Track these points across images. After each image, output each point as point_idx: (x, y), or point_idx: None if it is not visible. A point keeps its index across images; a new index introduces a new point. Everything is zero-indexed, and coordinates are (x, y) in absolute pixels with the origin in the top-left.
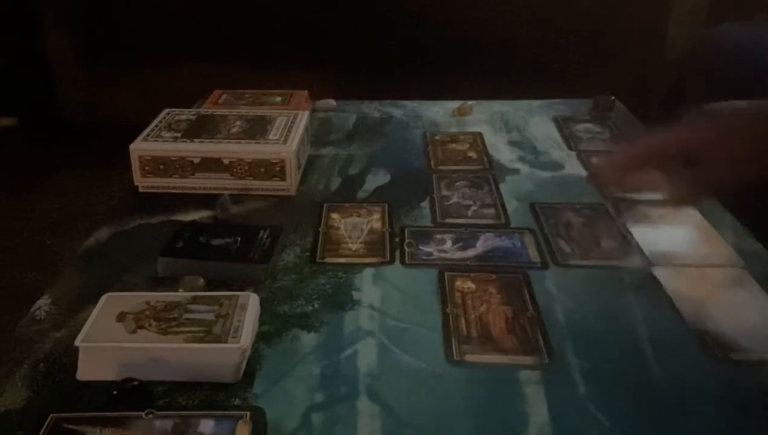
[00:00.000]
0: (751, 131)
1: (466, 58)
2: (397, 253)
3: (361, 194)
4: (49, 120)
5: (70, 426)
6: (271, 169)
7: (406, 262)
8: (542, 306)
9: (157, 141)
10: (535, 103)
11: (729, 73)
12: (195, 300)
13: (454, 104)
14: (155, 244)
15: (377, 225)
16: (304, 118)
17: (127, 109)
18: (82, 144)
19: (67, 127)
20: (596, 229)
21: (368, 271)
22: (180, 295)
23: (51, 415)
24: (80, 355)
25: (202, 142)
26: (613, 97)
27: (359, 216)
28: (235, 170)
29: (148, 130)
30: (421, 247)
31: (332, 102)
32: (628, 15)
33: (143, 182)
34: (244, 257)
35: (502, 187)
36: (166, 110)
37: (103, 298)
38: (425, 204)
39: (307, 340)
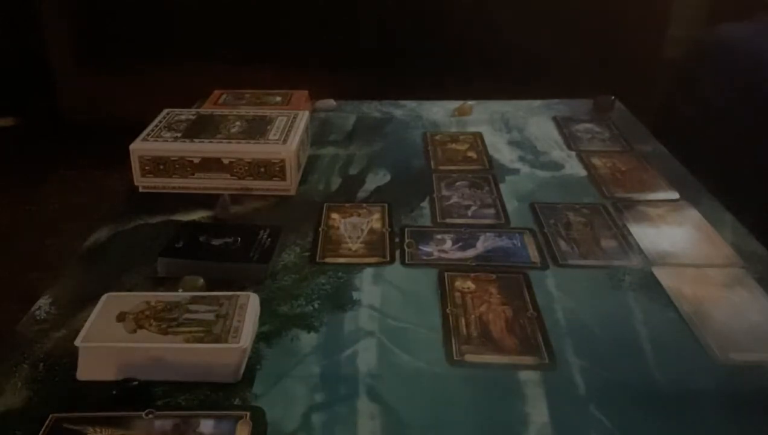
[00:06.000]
0: None
1: (466, 58)
2: (397, 253)
3: (361, 194)
4: (49, 120)
5: (70, 426)
6: (271, 169)
7: (406, 262)
8: (542, 306)
9: (157, 141)
10: (535, 103)
11: (729, 73)
12: (195, 300)
13: (454, 104)
14: (155, 244)
15: (377, 225)
16: (304, 118)
17: (127, 109)
18: (82, 144)
19: (67, 127)
20: (596, 229)
21: (368, 271)
22: (180, 295)
23: (51, 415)
24: (80, 355)
25: (202, 142)
26: (613, 97)
27: (359, 216)
28: (235, 170)
29: (148, 130)
30: (421, 247)
31: (332, 102)
32: (628, 15)
33: (143, 182)
34: (244, 257)
35: (502, 187)
36: (166, 110)
37: (103, 298)
38: (425, 204)
39: (307, 340)
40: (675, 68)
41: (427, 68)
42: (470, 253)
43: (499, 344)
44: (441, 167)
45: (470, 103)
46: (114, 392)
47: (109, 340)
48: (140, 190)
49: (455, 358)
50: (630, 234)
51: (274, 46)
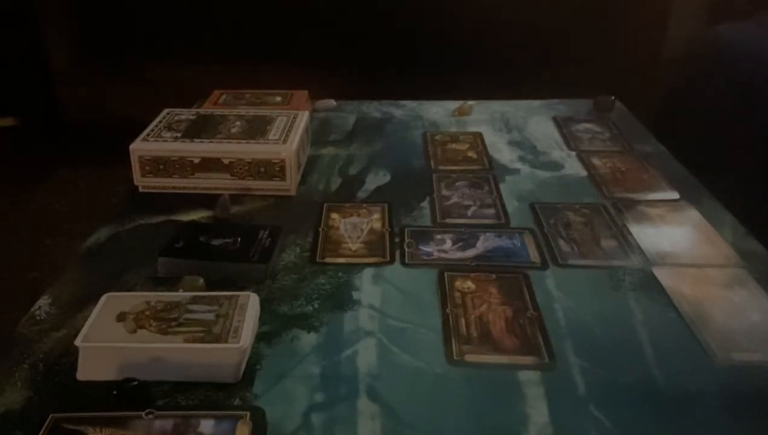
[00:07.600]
0: None
1: (466, 58)
2: (397, 253)
3: (361, 194)
4: (48, 120)
5: (70, 426)
6: (271, 169)
7: (406, 262)
8: (542, 306)
9: (157, 141)
10: (535, 103)
11: (729, 73)
12: (195, 300)
13: (454, 104)
14: (155, 244)
15: (377, 225)
16: (304, 118)
17: (127, 108)
18: (82, 143)
19: (67, 127)
20: (596, 229)
21: (368, 271)
22: (180, 295)
23: (51, 415)
24: (80, 355)
25: (202, 142)
26: (613, 97)
27: (359, 216)
28: (235, 170)
29: (148, 130)
30: (421, 247)
31: (332, 102)
32: (627, 15)
33: (143, 182)
34: (244, 257)
35: (502, 187)
36: (166, 110)
37: (103, 298)
38: (425, 204)
39: (307, 340)
40: (675, 68)
41: (427, 68)
42: (470, 253)
43: (499, 344)
44: (441, 167)
45: (470, 103)
46: (114, 392)
47: (109, 340)
48: (140, 190)
49: (455, 358)
50: (630, 234)
51: (274, 46)
